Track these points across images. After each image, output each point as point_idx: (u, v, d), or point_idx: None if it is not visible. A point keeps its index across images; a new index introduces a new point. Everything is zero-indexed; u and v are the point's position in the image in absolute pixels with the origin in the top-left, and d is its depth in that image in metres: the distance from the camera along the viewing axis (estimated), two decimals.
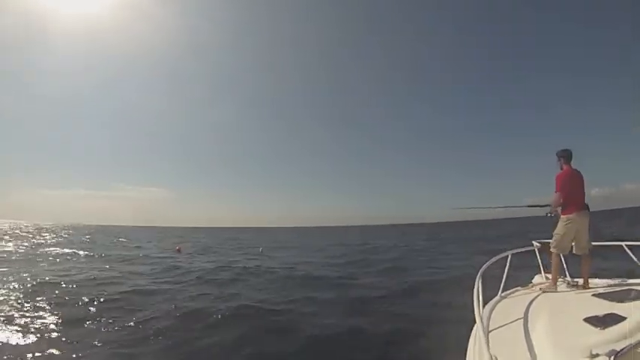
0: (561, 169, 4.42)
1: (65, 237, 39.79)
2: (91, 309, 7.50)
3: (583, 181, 4.39)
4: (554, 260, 4.27)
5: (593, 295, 3.21)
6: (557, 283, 4.22)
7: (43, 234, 45.23)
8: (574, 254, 4.34)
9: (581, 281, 4.18)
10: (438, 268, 13.51)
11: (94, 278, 11.19)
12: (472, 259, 13.16)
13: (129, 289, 9.72)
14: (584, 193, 4.36)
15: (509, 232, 34.59)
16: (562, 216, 4.31)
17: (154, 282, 11.17)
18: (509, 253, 4.30)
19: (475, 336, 2.46)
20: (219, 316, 6.91)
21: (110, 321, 6.61)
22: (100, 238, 39.17)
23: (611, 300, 2.87)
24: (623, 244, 4.34)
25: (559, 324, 2.45)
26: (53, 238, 37.67)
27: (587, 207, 4.31)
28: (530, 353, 1.97)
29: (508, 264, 4.23)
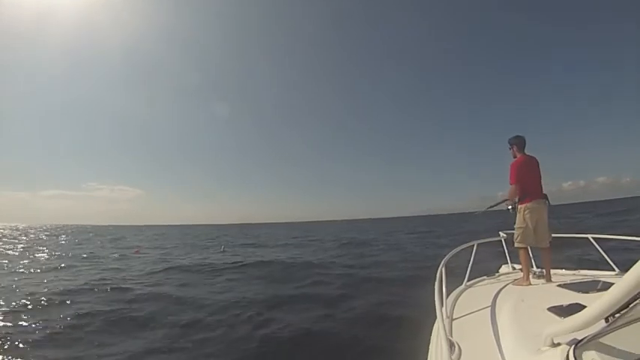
0: (514, 157, 4.16)
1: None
2: None
3: (539, 168, 4.17)
4: (521, 255, 4.04)
5: (559, 285, 3.24)
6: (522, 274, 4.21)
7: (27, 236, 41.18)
8: (534, 247, 4.17)
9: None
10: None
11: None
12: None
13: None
14: (540, 180, 4.15)
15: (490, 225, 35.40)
16: (519, 206, 4.08)
17: None
18: (474, 242, 4.26)
19: (438, 325, 2.40)
20: None
21: None
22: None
23: (576, 291, 2.89)
24: (589, 236, 4.30)
25: (523, 313, 2.44)
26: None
27: (545, 196, 4.11)
28: (493, 340, 1.96)
29: (474, 254, 4.18)
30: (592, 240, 4.24)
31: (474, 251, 4.21)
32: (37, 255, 18.05)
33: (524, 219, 4.04)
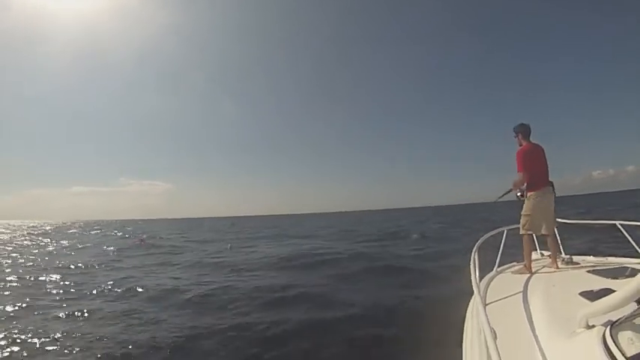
0: (520, 145, 4.12)
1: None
2: None
3: (545, 155, 4.15)
4: (525, 243, 4.02)
5: (588, 271, 3.25)
6: (551, 260, 4.17)
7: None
8: (542, 234, 4.15)
9: (575, 258, 4.08)
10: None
11: None
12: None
13: None
14: (547, 168, 4.13)
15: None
16: (528, 194, 4.07)
17: None
18: (504, 228, 4.27)
19: (472, 309, 2.52)
20: None
21: None
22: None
23: (606, 276, 2.90)
24: (617, 222, 4.24)
25: (554, 298, 2.48)
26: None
27: (551, 184, 4.10)
28: (527, 325, 1.98)
29: (504, 239, 4.20)
30: (620, 226, 4.18)
31: (504, 237, 4.22)
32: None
33: (531, 206, 4.03)
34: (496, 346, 1.26)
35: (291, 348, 4.89)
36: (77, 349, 4.89)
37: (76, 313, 6.63)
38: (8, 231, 45.45)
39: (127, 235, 33.89)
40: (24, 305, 7.16)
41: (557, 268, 3.82)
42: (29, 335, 5.39)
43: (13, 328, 5.73)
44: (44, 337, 5.30)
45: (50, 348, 4.98)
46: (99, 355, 4.68)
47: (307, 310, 6.48)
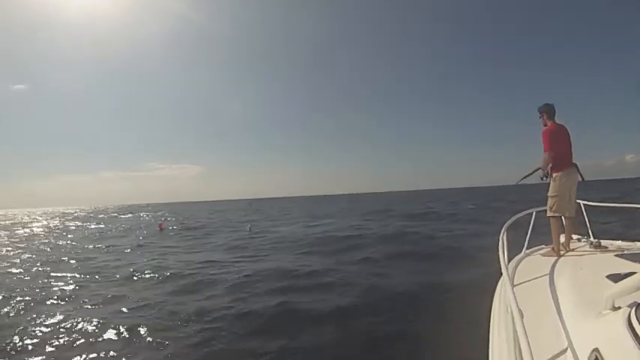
0: (545, 125, 4.09)
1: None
2: None
3: (569, 136, 4.11)
4: (554, 225, 3.95)
5: (616, 255, 3.24)
6: (581, 243, 4.15)
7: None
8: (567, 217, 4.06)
9: (604, 242, 4.00)
10: None
11: None
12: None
13: None
14: (571, 149, 4.09)
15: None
16: (554, 174, 4.00)
17: None
18: (533, 210, 4.23)
19: (500, 290, 2.58)
20: None
21: None
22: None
23: (633, 260, 2.88)
24: None
25: (582, 280, 2.50)
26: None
27: (576, 165, 4.05)
28: (554, 307, 2.02)
29: (532, 221, 4.17)
30: None
31: (532, 219, 4.19)
32: None
33: (558, 187, 3.98)
34: (523, 324, 1.29)
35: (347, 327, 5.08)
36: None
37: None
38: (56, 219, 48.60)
39: (158, 219, 35.71)
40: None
41: (569, 250, 3.81)
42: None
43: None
44: None
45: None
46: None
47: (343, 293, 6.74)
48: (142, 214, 49.17)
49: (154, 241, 17.25)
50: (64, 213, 72.24)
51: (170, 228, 24.52)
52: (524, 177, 4.33)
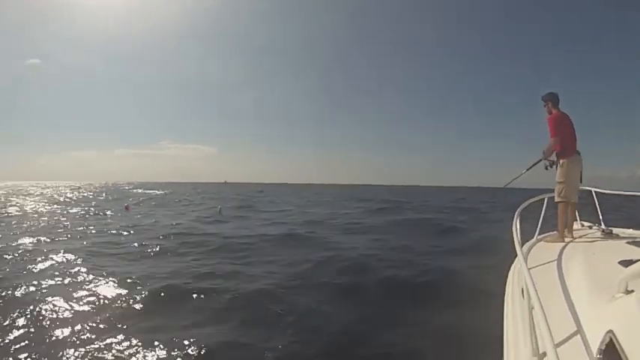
0: (549, 113, 4.15)
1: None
2: None
3: (573, 124, 4.18)
4: (561, 210, 4.02)
5: (627, 242, 3.27)
6: (592, 230, 4.21)
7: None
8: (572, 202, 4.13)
9: (615, 230, 4.05)
10: None
11: None
12: None
13: None
14: (576, 136, 4.16)
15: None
16: (561, 160, 4.09)
17: None
18: (545, 196, 4.28)
19: (514, 273, 2.63)
20: None
21: None
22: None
23: None
24: None
25: (594, 265, 2.53)
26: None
27: (579, 153, 4.16)
28: (567, 291, 2.04)
29: (545, 207, 4.22)
30: None
31: (544, 205, 4.24)
32: None
33: (565, 173, 4.06)
34: (541, 304, 1.31)
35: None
36: None
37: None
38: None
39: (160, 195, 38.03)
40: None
41: (576, 236, 3.88)
42: None
43: None
44: None
45: None
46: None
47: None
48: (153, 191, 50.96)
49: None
50: (74, 187, 74.24)
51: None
52: (530, 167, 4.37)
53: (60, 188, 67.21)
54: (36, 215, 18.32)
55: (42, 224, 14.53)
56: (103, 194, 43.90)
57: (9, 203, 26.91)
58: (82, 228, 13.32)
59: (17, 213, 19.58)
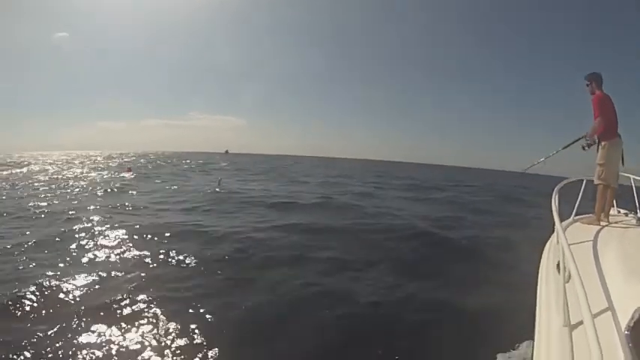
0: (592, 93, 4.00)
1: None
2: None
3: (615, 107, 4.04)
4: (600, 193, 3.94)
5: None
6: (628, 218, 4.13)
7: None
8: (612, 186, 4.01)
9: None
10: None
11: None
12: None
13: None
14: (617, 120, 4.03)
15: None
16: (603, 142, 3.96)
17: None
18: (584, 177, 4.22)
19: (549, 249, 2.73)
20: None
21: None
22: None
23: None
24: None
25: (628, 250, 2.58)
26: None
27: (619, 136, 4.03)
28: (600, 270, 2.08)
29: (582, 189, 4.17)
30: None
31: (582, 186, 4.19)
32: None
33: (606, 155, 3.96)
34: (577, 269, 1.34)
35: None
36: None
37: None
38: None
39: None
40: None
41: (611, 221, 3.84)
42: None
43: None
44: None
45: None
46: None
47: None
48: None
49: None
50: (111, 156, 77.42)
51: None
52: (567, 145, 4.29)
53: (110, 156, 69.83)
54: None
55: None
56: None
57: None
58: None
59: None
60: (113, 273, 5.45)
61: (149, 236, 7.45)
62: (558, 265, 2.09)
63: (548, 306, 1.85)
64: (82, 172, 26.54)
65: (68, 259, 6.01)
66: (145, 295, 4.68)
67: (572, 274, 1.40)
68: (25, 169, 29.05)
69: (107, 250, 6.55)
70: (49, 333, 3.81)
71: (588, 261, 2.31)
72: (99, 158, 59.14)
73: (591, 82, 4.05)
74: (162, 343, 3.74)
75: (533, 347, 1.66)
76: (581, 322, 1.44)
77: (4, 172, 25.07)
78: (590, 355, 0.94)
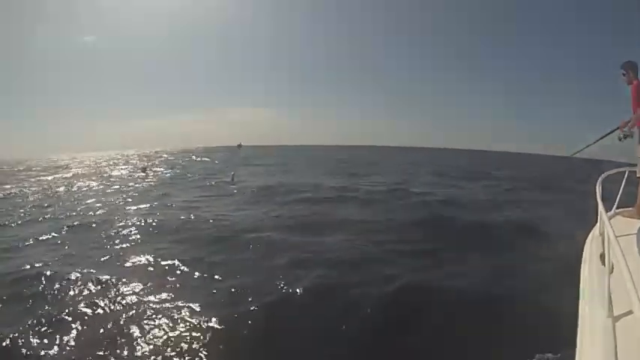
0: (630, 83, 3.78)
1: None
2: None
3: None
4: None
5: None
6: None
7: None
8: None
9: None
10: None
11: None
12: None
13: None
14: None
15: None
16: None
17: None
18: (626, 169, 4.07)
19: (592, 239, 2.69)
20: None
21: None
22: None
23: None
24: None
25: None
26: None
27: None
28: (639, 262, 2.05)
29: (624, 180, 4.04)
30: None
31: (624, 178, 4.06)
32: None
33: None
34: (625, 260, 1.32)
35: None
36: None
37: None
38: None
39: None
40: None
41: None
42: None
43: None
44: None
45: None
46: None
47: None
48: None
49: None
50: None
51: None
52: (604, 136, 4.13)
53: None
54: None
55: None
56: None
57: None
58: None
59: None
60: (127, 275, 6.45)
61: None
62: (602, 255, 2.07)
63: (592, 297, 1.85)
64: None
65: None
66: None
67: (620, 265, 1.38)
68: (70, 173, 30.88)
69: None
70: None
71: (629, 254, 2.27)
72: (131, 159, 61.18)
73: (628, 71, 3.86)
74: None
75: (576, 338, 1.65)
76: (624, 314, 1.44)
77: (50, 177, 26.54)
78: (638, 347, 0.96)
